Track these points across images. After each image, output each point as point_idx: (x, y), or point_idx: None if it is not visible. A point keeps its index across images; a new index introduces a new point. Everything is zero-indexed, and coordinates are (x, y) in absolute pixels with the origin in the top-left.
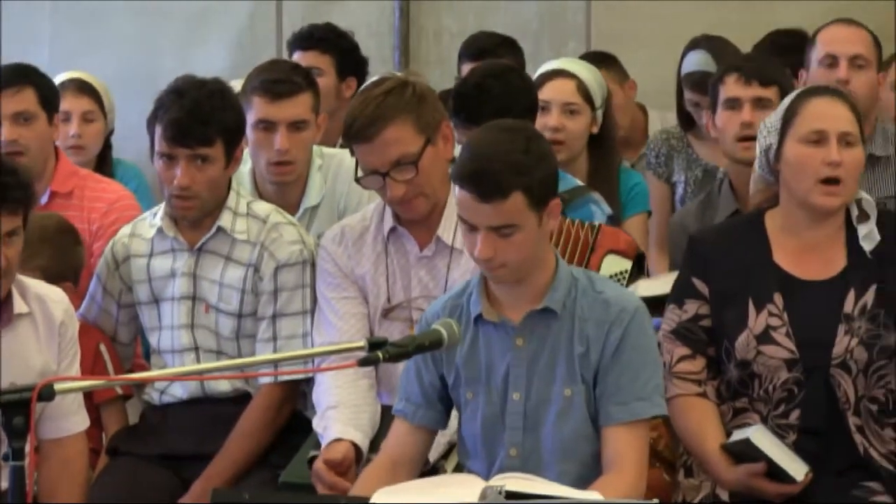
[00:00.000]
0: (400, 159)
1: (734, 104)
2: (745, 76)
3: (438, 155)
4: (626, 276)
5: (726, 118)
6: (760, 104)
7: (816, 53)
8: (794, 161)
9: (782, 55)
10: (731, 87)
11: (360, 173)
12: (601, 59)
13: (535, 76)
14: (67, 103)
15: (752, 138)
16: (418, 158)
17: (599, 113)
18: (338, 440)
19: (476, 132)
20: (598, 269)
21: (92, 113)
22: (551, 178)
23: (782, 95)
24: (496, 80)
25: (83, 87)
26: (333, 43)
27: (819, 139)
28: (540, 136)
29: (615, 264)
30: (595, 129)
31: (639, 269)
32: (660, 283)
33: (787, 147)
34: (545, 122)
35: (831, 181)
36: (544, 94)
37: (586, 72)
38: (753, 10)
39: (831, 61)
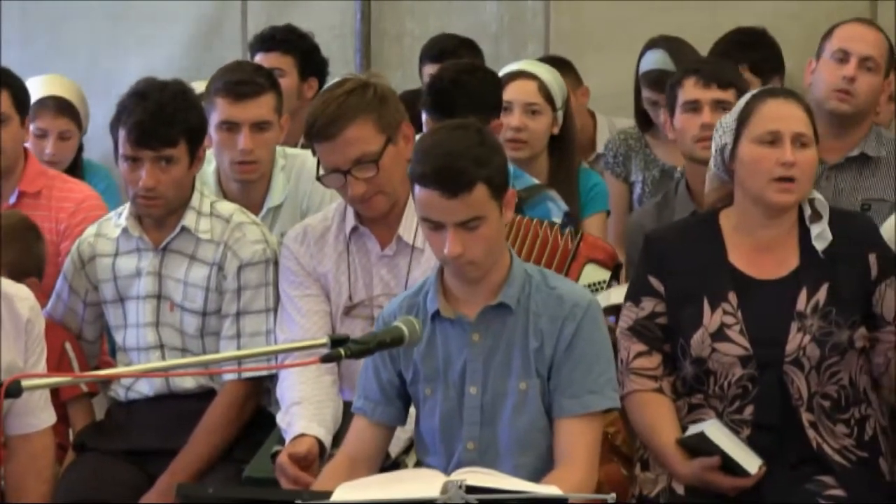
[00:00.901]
0: (361, 158)
1: (694, 106)
2: (704, 79)
3: (399, 154)
4: (604, 286)
5: (686, 120)
6: (719, 106)
7: (830, 46)
8: (749, 161)
9: (743, 53)
10: (691, 90)
11: (321, 172)
12: (557, 64)
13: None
14: (45, 122)
15: (711, 139)
16: (379, 157)
17: (560, 114)
18: (301, 435)
19: (425, 136)
20: (578, 277)
21: (69, 132)
22: (506, 168)
23: (739, 97)
24: (470, 76)
25: (62, 108)
26: (295, 44)
27: (773, 139)
28: (488, 129)
29: (595, 274)
30: (556, 130)
31: (616, 278)
32: (617, 293)
33: (742, 147)
34: (508, 122)
35: (786, 179)
36: (507, 94)
37: (547, 73)
38: (713, 12)
39: (842, 56)
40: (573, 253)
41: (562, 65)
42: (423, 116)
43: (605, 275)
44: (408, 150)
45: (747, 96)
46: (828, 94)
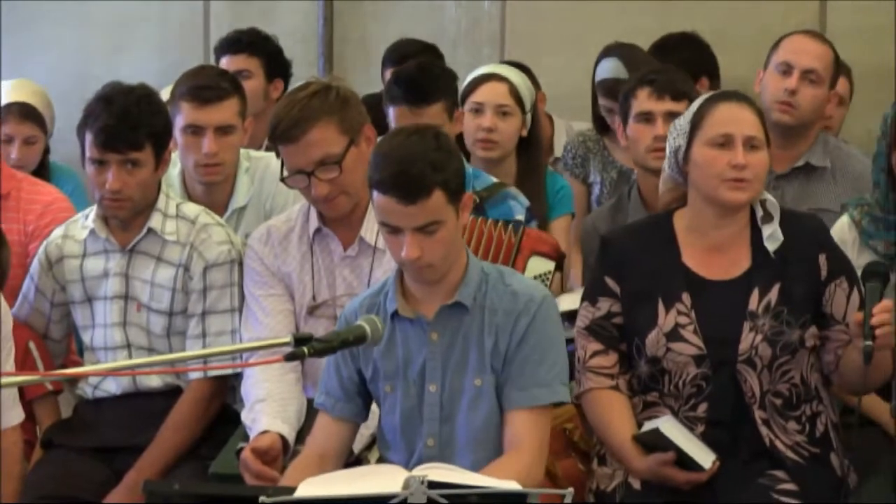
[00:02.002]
0: (324, 159)
1: (647, 118)
2: (657, 91)
3: (361, 156)
4: (550, 277)
5: (639, 130)
6: (672, 118)
7: (776, 57)
8: (702, 163)
9: (671, 55)
10: (644, 102)
11: (285, 173)
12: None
13: (467, 80)
14: (10, 128)
15: (664, 149)
16: (342, 159)
17: (529, 117)
18: (265, 432)
19: (383, 141)
20: (524, 270)
21: (34, 137)
22: (462, 172)
23: None
24: (432, 65)
25: (27, 114)
26: (260, 46)
27: (725, 142)
28: (445, 133)
29: (539, 266)
30: (524, 133)
31: (560, 269)
32: (573, 299)
33: (695, 149)
34: (479, 123)
35: (737, 179)
36: (478, 96)
37: (517, 77)
38: (666, 16)
39: (786, 69)
40: (517, 247)
41: (520, 70)
42: (393, 112)
43: (549, 266)
44: (370, 152)
45: (700, 100)
46: (771, 105)
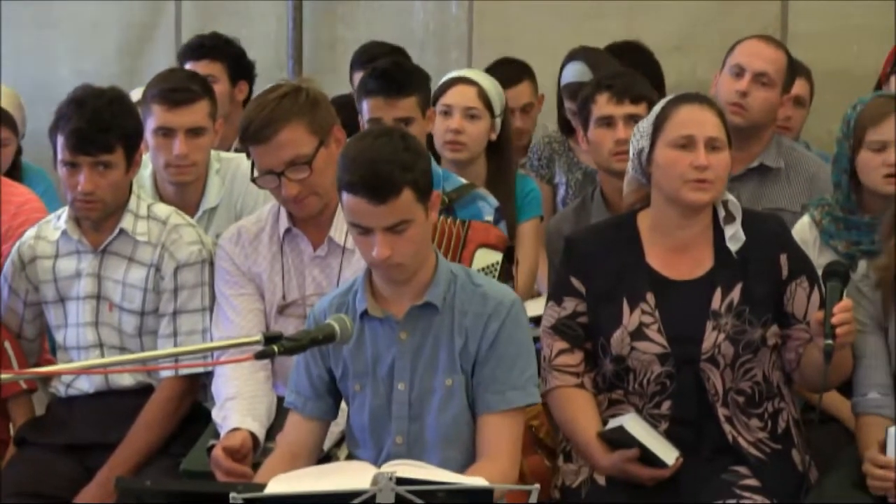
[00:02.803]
0: (294, 160)
1: (608, 122)
2: (616, 95)
3: (331, 157)
4: (497, 267)
5: (600, 135)
6: (632, 120)
7: (731, 60)
8: (665, 164)
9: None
10: (604, 106)
11: (256, 173)
12: (519, 69)
13: (438, 84)
14: None
15: (627, 152)
16: (312, 159)
17: (498, 121)
18: (236, 429)
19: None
20: (471, 262)
21: (6, 139)
22: (430, 171)
23: (650, 110)
24: (400, 58)
25: None
26: (223, 50)
27: (687, 143)
28: (411, 134)
29: (486, 257)
30: (493, 136)
31: (509, 260)
32: (540, 304)
33: (657, 151)
34: (447, 125)
35: (700, 180)
36: (447, 98)
37: (487, 81)
38: (633, 20)
39: (738, 71)
40: (464, 239)
41: (523, 70)
42: (367, 104)
43: (496, 257)
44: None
45: (663, 102)
46: (723, 106)
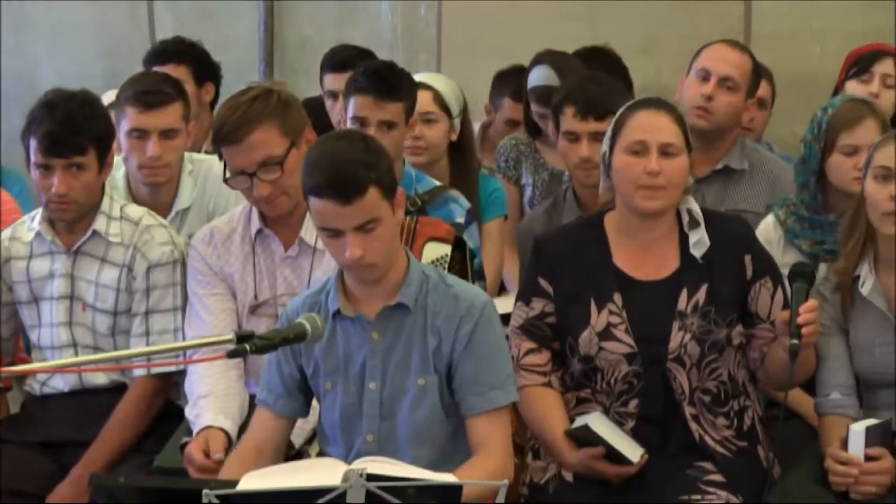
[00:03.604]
0: (266, 160)
1: (573, 137)
2: (581, 112)
3: (302, 158)
4: (447, 259)
5: (566, 148)
6: (597, 137)
7: (697, 64)
8: (620, 169)
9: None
10: (570, 121)
11: (228, 174)
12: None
13: None
14: None
15: (593, 168)
16: (283, 160)
17: (457, 121)
18: (209, 427)
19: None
20: (421, 255)
21: None
22: (393, 169)
23: None
24: (393, 63)
25: None
26: (186, 54)
27: (640, 149)
28: (370, 135)
29: (436, 250)
30: (454, 137)
31: (460, 251)
32: (509, 302)
33: (615, 156)
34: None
35: (651, 187)
36: None
37: (443, 84)
38: (598, 23)
39: (704, 75)
40: (413, 233)
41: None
42: (355, 101)
43: (445, 249)
44: None
45: (623, 107)
46: (688, 109)
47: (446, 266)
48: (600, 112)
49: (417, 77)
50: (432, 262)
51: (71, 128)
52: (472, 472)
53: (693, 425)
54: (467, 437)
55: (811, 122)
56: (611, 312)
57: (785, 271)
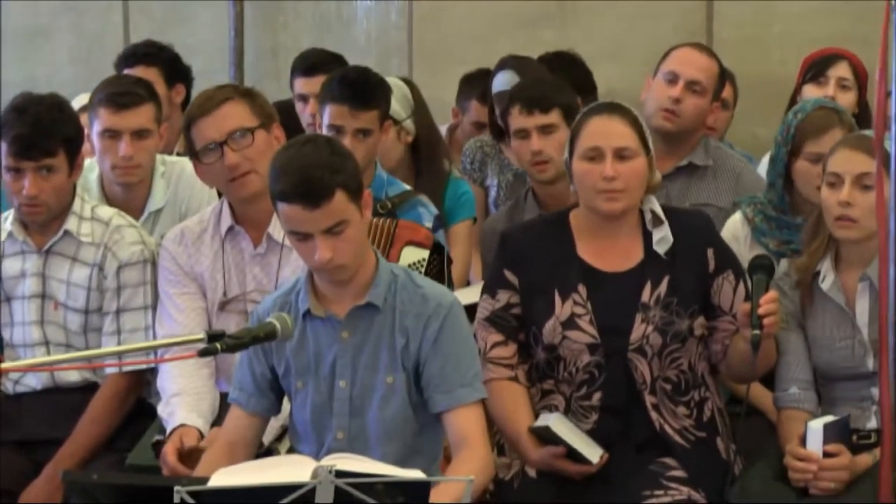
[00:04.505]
0: (236, 129)
1: (523, 134)
2: (526, 107)
3: (271, 145)
4: (424, 264)
5: (518, 147)
6: (546, 130)
7: (664, 67)
8: (578, 176)
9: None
10: (517, 119)
11: (199, 151)
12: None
13: None
14: None
15: (544, 162)
16: (253, 130)
17: (408, 122)
18: (182, 426)
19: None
20: (399, 259)
21: None
22: (359, 172)
23: (565, 115)
24: (367, 69)
25: None
26: (156, 56)
27: (596, 155)
28: (335, 139)
29: (413, 254)
30: (409, 139)
31: (439, 255)
32: (473, 292)
33: (574, 163)
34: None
35: (610, 190)
36: None
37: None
38: (566, 29)
39: (672, 78)
40: (391, 237)
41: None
42: (330, 109)
43: (423, 254)
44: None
45: (580, 114)
46: (655, 111)
47: (423, 270)
48: (544, 106)
49: None
50: (409, 266)
51: (40, 131)
52: (462, 469)
53: (654, 414)
54: (447, 435)
55: (782, 124)
56: (575, 303)
57: (746, 266)
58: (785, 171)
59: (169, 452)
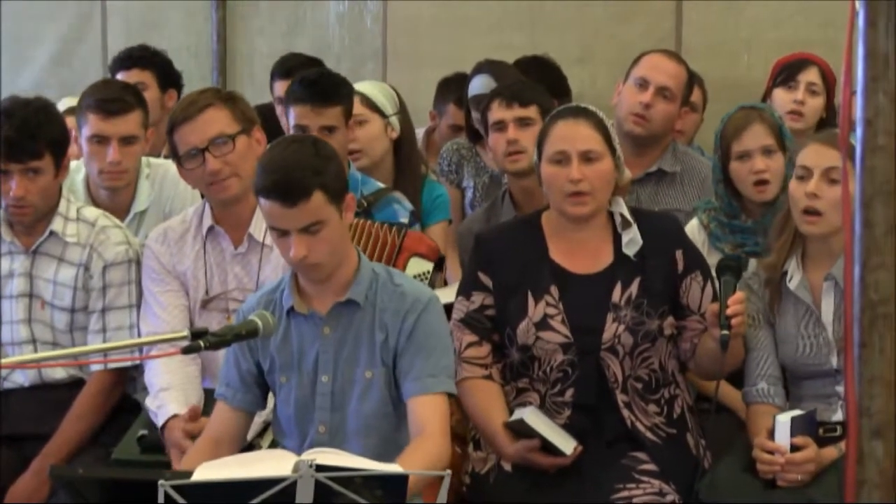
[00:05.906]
0: (218, 136)
1: (500, 126)
2: (506, 100)
3: (252, 148)
4: (429, 276)
5: (496, 139)
6: (523, 123)
7: (635, 72)
8: (546, 179)
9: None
10: (496, 112)
11: (182, 156)
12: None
13: None
14: None
15: (519, 152)
16: (234, 137)
17: (394, 119)
18: (175, 416)
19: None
20: (405, 269)
21: None
22: (342, 175)
23: (542, 113)
24: (324, 68)
25: None
26: (151, 60)
27: (561, 159)
28: (324, 141)
29: (418, 266)
30: (394, 135)
31: (439, 269)
32: (451, 292)
33: (542, 166)
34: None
35: (577, 193)
36: None
37: (369, 87)
38: (537, 34)
39: (643, 83)
40: (399, 247)
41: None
42: (295, 111)
43: (428, 266)
44: (260, 152)
45: (547, 118)
46: (626, 116)
47: (427, 282)
48: (524, 100)
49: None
50: (414, 277)
51: (27, 133)
52: (412, 456)
53: (625, 412)
54: (409, 419)
55: (714, 135)
56: (548, 304)
57: (714, 268)
58: (724, 176)
59: (174, 428)
